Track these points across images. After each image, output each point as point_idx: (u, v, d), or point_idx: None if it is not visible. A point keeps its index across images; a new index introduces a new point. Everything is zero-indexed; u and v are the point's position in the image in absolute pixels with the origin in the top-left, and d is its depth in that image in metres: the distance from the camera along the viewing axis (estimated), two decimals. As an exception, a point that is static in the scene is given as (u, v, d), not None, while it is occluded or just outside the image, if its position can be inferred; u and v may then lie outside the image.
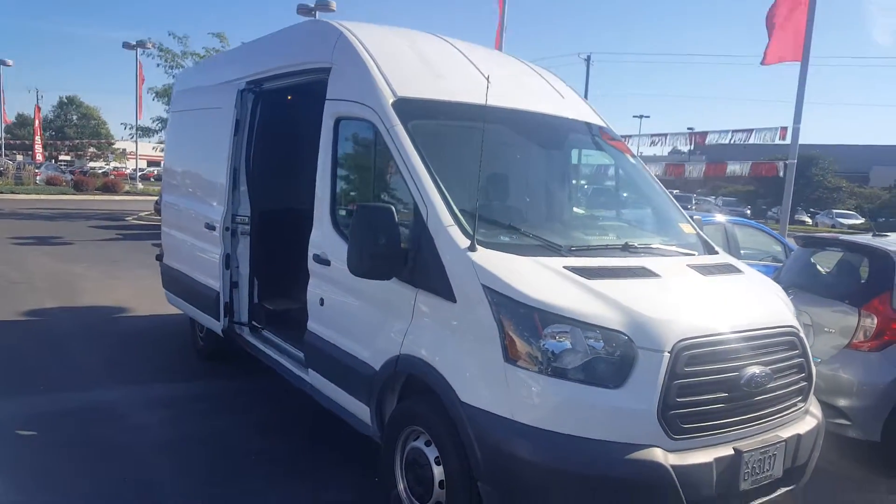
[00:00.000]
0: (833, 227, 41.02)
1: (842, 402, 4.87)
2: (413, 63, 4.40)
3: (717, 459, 3.02)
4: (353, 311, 4.09)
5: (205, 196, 6.26)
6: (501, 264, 3.26)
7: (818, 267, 6.22)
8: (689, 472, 2.94)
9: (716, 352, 3.11)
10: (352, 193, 4.44)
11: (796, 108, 13.13)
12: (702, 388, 3.04)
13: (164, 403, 5.64)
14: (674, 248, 4.05)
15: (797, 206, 42.40)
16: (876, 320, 4.90)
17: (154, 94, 25.96)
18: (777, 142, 15.10)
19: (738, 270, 3.95)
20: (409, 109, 3.96)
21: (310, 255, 4.50)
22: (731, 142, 16.23)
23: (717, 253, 4.22)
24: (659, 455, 2.91)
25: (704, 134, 16.91)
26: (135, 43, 33.71)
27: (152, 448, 4.78)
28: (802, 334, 3.60)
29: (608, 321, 2.99)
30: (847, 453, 4.93)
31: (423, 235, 3.49)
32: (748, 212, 32.78)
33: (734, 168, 16.17)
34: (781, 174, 14.11)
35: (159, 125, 28.03)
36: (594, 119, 5.02)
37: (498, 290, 3.11)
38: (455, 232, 3.41)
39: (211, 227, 5.94)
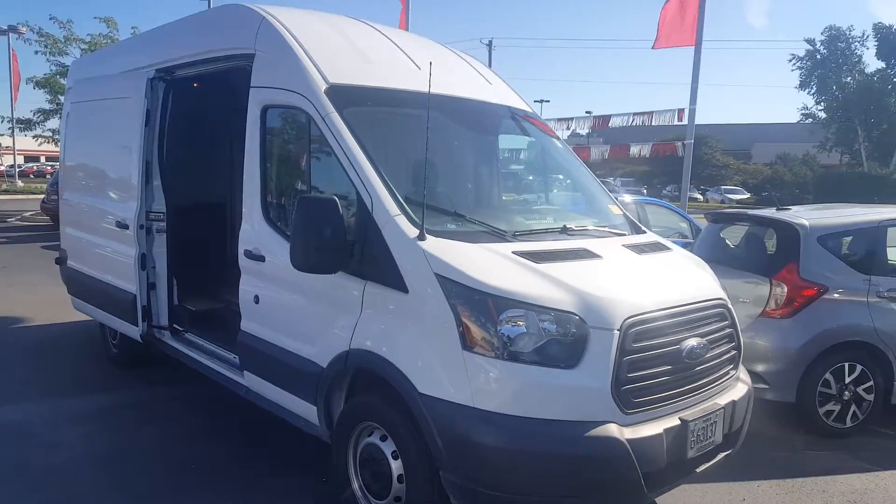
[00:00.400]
0: (722, 202, 43.65)
1: (759, 368, 5.19)
2: (342, 49, 4.26)
3: (667, 430, 3.14)
4: (295, 308, 3.94)
5: (114, 192, 5.85)
6: (452, 252, 3.23)
7: (727, 241, 6.58)
8: (643, 445, 3.05)
9: (659, 327, 3.22)
10: (285, 185, 4.27)
11: (692, 90, 13.86)
12: (648, 363, 3.15)
13: (81, 418, 5.25)
14: (607, 230, 4.14)
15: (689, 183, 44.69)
16: (786, 289, 5.24)
17: (34, 84, 24.08)
18: (675, 123, 15.85)
19: (667, 248, 4.11)
20: (343, 96, 3.84)
21: (240, 250, 4.30)
22: (633, 124, 16.89)
23: (644, 232, 4.37)
24: (615, 430, 2.99)
25: (608, 117, 17.51)
26: (6, 27, 31.11)
27: (73, 467, 4.44)
28: (730, 305, 3.79)
29: (560, 303, 3.03)
30: (767, 415, 5.26)
31: (370, 226, 3.40)
32: (645, 191, 34.30)
33: (636, 150, 16.88)
34: (680, 154, 14.88)
35: (41, 117, 26.05)
36: (520, 104, 5.06)
37: (452, 277, 3.08)
38: (402, 221, 3.34)
39: (123, 226, 5.56)
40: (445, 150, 3.81)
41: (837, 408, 5.27)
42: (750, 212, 6.31)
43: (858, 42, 37.94)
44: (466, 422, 2.96)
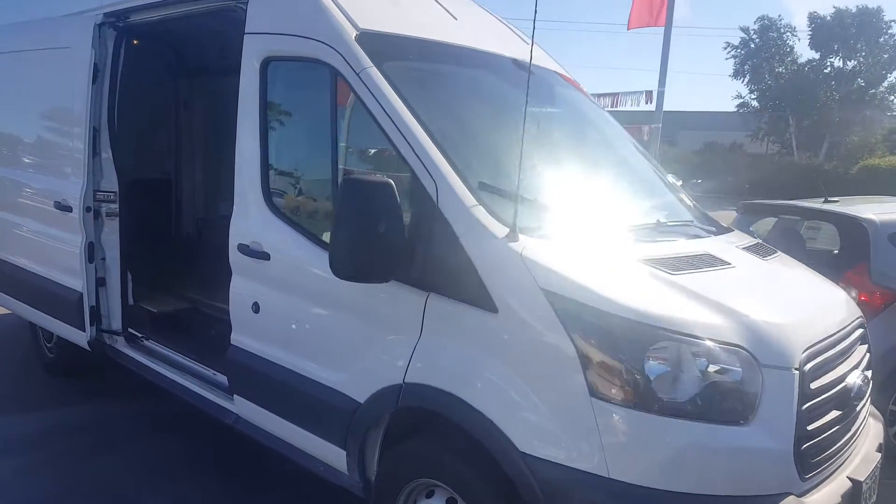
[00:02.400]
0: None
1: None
2: None
3: (843, 497, 2.45)
4: (317, 322, 3.07)
5: (52, 167, 4.74)
6: (564, 259, 2.44)
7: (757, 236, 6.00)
8: None
9: (829, 360, 2.53)
10: (297, 162, 3.36)
11: (661, 71, 13.45)
12: (823, 409, 2.44)
13: (14, 446, 4.20)
14: (698, 226, 3.43)
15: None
16: (857, 294, 4.65)
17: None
18: (642, 107, 15.45)
19: (775, 250, 3.42)
20: (378, 47, 2.97)
21: (231, 244, 3.37)
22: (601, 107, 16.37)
23: (731, 229, 3.68)
24: None
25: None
26: None
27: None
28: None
29: (724, 333, 2.27)
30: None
31: (435, 221, 2.56)
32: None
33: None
34: (646, 138, 14.48)
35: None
36: (561, 70, 4.31)
37: (569, 295, 2.28)
38: (482, 215, 2.52)
39: (65, 208, 4.48)
40: (512, 123, 3.03)
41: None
42: (799, 204, 5.72)
43: (790, 32, 38.98)
44: (597, 498, 2.20)
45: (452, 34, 3.46)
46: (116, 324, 4.61)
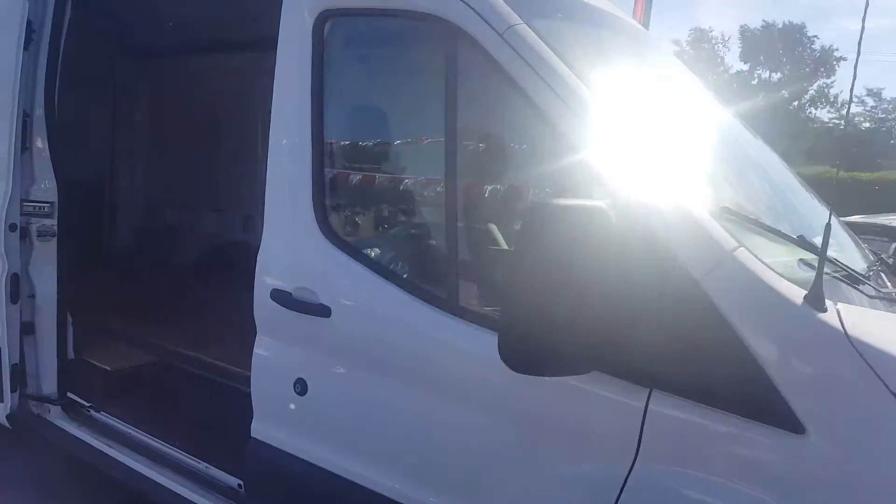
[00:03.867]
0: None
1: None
2: None
3: None
4: (423, 423, 1.93)
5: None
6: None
7: None
8: None
9: None
10: (379, 163, 2.22)
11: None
12: None
13: None
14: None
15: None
16: None
17: None
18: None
19: None
20: None
21: (260, 289, 2.19)
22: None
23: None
24: None
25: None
26: None
27: None
28: None
29: None
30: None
31: (669, 273, 1.51)
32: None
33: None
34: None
35: None
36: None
37: None
38: (754, 265, 1.49)
39: (-23, 226, 3.14)
40: (687, 108, 2.05)
41: None
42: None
43: (721, 44, 40.11)
44: None
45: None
46: (49, 387, 3.30)
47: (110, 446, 3.04)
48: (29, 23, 3.05)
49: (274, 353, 2.22)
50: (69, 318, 3.36)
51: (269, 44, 2.22)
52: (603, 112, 1.67)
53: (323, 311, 2.04)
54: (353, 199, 2.17)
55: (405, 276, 1.97)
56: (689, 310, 1.47)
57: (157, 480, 2.80)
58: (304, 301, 2.08)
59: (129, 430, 3.08)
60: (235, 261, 5.07)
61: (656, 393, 1.54)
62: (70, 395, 3.30)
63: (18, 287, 3.15)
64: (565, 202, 1.44)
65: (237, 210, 5.22)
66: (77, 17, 3.25)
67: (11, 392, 3.18)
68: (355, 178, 2.18)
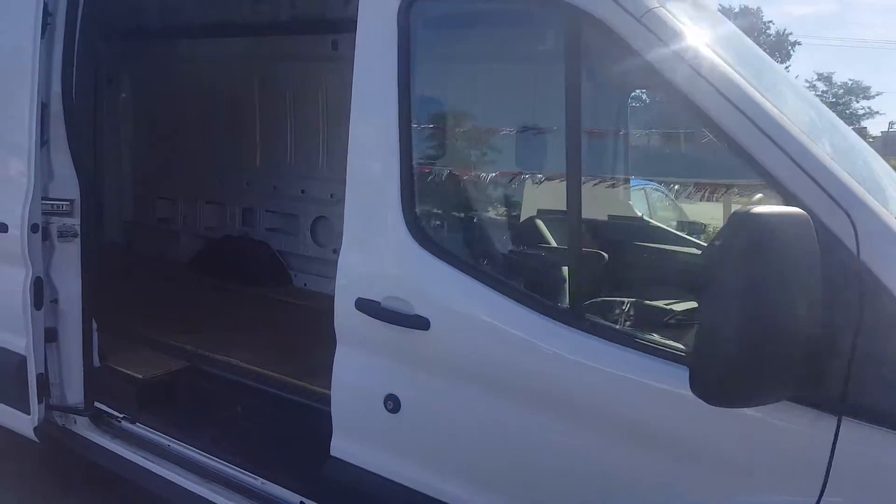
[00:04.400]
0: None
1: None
2: None
3: None
4: (545, 447, 1.81)
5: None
6: None
7: None
8: None
9: None
10: (481, 161, 2.07)
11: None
12: None
13: None
14: None
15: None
16: None
17: None
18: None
19: None
20: None
21: (342, 296, 2.04)
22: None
23: None
24: None
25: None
26: None
27: None
28: None
29: None
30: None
31: (862, 287, 1.40)
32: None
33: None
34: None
35: None
36: None
37: None
38: None
39: (-4, 228, 2.91)
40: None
41: None
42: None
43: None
44: None
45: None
46: (75, 397, 3.09)
47: (149, 459, 2.87)
48: (45, 6, 2.80)
49: (359, 366, 2.08)
50: (94, 324, 3.14)
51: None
52: (765, 106, 1.53)
53: (420, 323, 1.90)
54: (448, 200, 2.02)
55: (520, 286, 1.83)
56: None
57: (205, 496, 2.64)
58: (397, 311, 1.93)
59: (170, 443, 2.90)
60: (235, 258, 4.92)
61: (845, 421, 1.43)
62: (98, 404, 3.10)
63: (41, 292, 2.93)
64: (770, 210, 1.31)
65: (235, 204, 5.06)
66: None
67: (39, 404, 2.97)
68: (449, 175, 2.02)
